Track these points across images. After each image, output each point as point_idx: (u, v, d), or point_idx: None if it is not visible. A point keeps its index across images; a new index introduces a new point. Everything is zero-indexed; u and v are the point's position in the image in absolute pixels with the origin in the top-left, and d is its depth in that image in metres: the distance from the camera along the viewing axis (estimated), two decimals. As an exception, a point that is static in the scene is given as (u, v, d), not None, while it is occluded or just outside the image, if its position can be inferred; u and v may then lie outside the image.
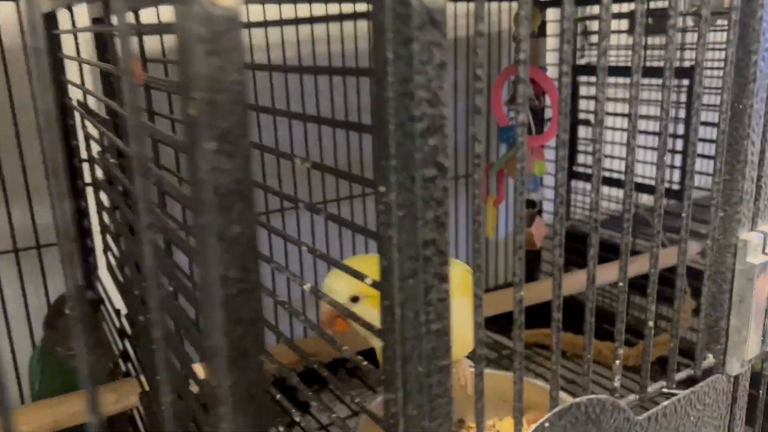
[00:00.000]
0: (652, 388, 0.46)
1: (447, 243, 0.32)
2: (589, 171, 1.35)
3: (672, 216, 1.21)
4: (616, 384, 0.43)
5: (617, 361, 0.43)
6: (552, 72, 1.24)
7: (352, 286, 0.52)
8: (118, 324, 0.76)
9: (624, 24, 1.30)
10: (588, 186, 1.45)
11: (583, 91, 1.25)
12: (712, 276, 0.48)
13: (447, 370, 0.34)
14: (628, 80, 0.47)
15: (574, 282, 0.82)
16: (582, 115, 1.27)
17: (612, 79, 1.25)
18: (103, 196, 0.70)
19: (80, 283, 0.25)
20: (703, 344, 0.47)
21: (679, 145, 1.17)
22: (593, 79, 1.26)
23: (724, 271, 0.47)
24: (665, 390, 0.46)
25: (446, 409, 0.34)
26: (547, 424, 0.38)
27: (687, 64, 1.27)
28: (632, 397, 0.45)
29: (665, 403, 0.45)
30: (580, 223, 1.38)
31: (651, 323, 0.44)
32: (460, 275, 0.56)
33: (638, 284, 0.58)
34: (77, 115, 0.74)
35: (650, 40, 1.28)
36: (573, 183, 1.37)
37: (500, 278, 1.35)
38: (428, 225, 0.31)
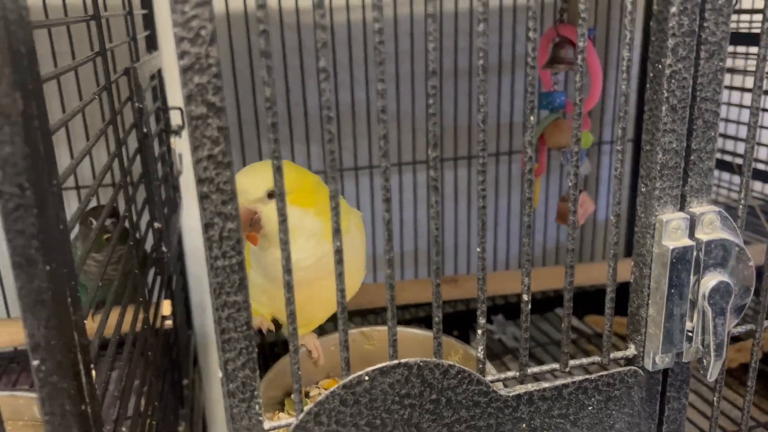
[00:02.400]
0: (539, 368, 0.43)
1: (227, 181, 0.33)
2: (733, 159, 1.23)
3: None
4: (479, 354, 0.41)
5: (479, 330, 0.40)
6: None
7: (270, 181, 0.47)
8: None
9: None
10: (728, 176, 1.32)
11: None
12: (635, 258, 0.43)
13: (240, 306, 0.35)
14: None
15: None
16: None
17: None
18: None
19: None
20: (609, 329, 0.43)
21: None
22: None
23: (645, 254, 0.42)
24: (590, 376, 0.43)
25: (242, 344, 0.36)
26: (366, 378, 0.38)
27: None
28: (510, 374, 0.42)
29: (546, 385, 0.42)
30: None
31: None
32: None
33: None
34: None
35: None
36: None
37: (598, 254, 1.30)
38: (201, 162, 0.32)
